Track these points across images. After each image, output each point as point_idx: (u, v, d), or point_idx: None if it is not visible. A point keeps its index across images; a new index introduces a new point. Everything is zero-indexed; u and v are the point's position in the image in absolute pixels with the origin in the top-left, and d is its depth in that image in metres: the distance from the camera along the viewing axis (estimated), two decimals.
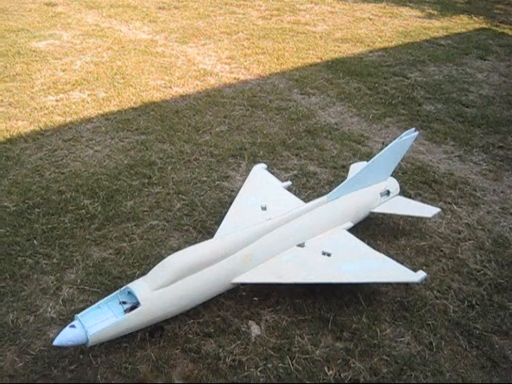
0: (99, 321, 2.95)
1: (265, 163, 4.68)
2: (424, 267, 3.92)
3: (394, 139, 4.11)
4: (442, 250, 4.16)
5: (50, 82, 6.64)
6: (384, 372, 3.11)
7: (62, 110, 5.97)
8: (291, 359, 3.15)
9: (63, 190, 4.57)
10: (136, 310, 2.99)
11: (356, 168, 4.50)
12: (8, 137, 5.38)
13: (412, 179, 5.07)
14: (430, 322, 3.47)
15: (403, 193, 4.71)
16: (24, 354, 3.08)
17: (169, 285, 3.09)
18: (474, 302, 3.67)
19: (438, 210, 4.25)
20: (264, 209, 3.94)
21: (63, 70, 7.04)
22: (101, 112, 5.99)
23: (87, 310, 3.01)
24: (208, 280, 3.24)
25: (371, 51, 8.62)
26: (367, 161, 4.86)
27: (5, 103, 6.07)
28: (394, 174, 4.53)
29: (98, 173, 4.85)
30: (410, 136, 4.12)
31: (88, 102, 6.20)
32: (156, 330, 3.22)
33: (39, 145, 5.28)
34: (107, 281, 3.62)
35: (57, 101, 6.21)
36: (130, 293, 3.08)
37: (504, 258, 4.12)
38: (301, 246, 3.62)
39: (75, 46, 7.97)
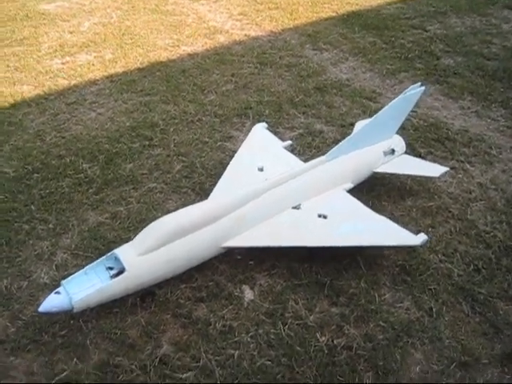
0: (84, 287, 2.91)
1: (269, 123, 4.54)
2: (430, 229, 3.76)
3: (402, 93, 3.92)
4: (450, 211, 3.98)
5: (57, 45, 6.53)
6: (379, 338, 3.01)
7: (67, 73, 5.88)
8: (283, 325, 3.07)
9: (63, 154, 4.52)
10: (121, 276, 2.94)
11: (361, 125, 4.31)
12: (12, 102, 5.33)
13: (424, 137, 4.85)
14: (432, 287, 3.34)
15: (413, 151, 4.52)
16: (16, 320, 3.08)
17: (155, 249, 3.02)
18: (480, 266, 3.51)
19: (446, 169, 4.05)
20: (261, 170, 3.81)
21: (71, 33, 6.92)
22: (106, 74, 5.87)
23: (73, 276, 2.98)
24: (198, 244, 3.16)
25: (389, 3, 8.22)
26: None
27: (11, 68, 6.00)
28: (405, 132, 4.33)
29: (99, 136, 4.77)
30: (416, 91, 3.90)
31: (94, 64, 6.09)
32: (147, 295, 3.18)
33: (42, 109, 5.21)
34: (101, 245, 3.58)
35: (63, 64, 6.11)
36: (116, 258, 3.02)
37: None
38: (296, 208, 3.49)
39: (84, 7, 7.81)
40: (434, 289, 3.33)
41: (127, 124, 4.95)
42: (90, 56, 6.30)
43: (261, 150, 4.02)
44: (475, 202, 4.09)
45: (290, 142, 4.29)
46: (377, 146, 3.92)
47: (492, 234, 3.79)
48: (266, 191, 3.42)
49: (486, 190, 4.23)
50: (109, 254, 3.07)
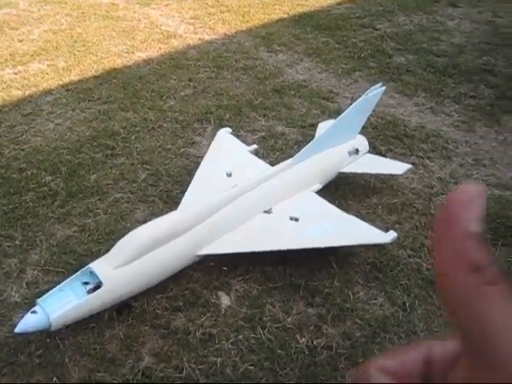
0: (61, 304, 2.85)
1: (230, 127, 4.55)
2: (396, 225, 3.86)
3: (363, 94, 4.00)
4: (414, 207, 4.09)
5: (7, 54, 6.34)
6: (357, 336, 3.07)
7: (20, 83, 5.72)
8: (263, 329, 3.09)
9: (24, 167, 4.40)
10: (99, 291, 2.90)
11: (324, 127, 4.39)
12: None
13: (383, 134, 4.97)
14: (403, 282, 3.42)
15: (374, 149, 4.62)
16: None
17: (131, 262, 3.00)
18: None
19: (409, 166, 4.17)
20: (229, 175, 3.82)
21: (20, 41, 6.73)
22: (61, 83, 5.75)
23: (49, 293, 2.91)
24: (172, 254, 3.16)
25: (339, 3, 8.35)
26: (335, 119, 4.76)
27: None
28: (364, 131, 4.43)
29: (60, 147, 4.67)
30: (377, 91, 4.00)
31: (48, 73, 5.95)
32: (123, 308, 3.15)
33: None
34: (72, 260, 3.51)
35: (15, 74, 5.94)
36: (92, 273, 2.98)
37: None
38: (268, 212, 3.53)
39: (32, 14, 7.61)
40: (406, 284, 3.42)
41: (87, 133, 4.86)
42: (42, 65, 6.15)
43: (227, 156, 4.03)
44: (437, 197, 4.22)
45: (255, 146, 4.32)
46: (342, 147, 4.00)
47: None
48: (237, 197, 3.44)
49: (446, 184, 4.37)
50: (83, 269, 3.01)
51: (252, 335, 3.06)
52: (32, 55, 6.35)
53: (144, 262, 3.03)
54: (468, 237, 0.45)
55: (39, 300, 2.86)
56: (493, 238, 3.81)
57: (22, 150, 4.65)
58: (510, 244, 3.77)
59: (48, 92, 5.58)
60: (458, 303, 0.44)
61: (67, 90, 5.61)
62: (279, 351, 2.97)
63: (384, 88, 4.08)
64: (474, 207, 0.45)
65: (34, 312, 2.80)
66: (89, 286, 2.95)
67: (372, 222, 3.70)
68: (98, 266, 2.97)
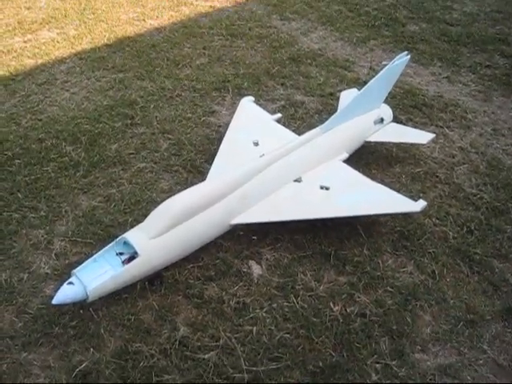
0: (97, 275, 2.85)
1: (251, 95, 4.50)
2: (421, 194, 3.86)
3: (381, 62, 3.96)
4: (437, 176, 4.09)
5: (15, 22, 6.23)
6: (389, 304, 3.09)
7: (31, 52, 5.63)
8: (296, 297, 3.11)
9: (43, 137, 4.35)
10: (135, 261, 2.90)
11: (346, 96, 4.35)
12: None
13: (402, 104, 4.94)
14: (431, 250, 3.44)
15: (395, 118, 4.58)
16: (22, 314, 2.98)
17: (166, 232, 2.99)
18: (472, 227, 3.64)
19: (433, 135, 4.15)
20: (256, 144, 3.79)
21: (28, 8, 6.61)
22: (73, 51, 5.66)
23: (83, 264, 2.90)
24: (206, 224, 3.15)
25: None
26: (356, 87, 4.72)
27: None
28: (384, 100, 4.39)
29: (78, 116, 4.62)
30: (402, 60, 3.96)
31: (58, 42, 5.85)
32: (155, 278, 3.14)
33: (11, 91, 4.98)
34: (99, 230, 3.49)
35: (25, 42, 5.84)
36: (126, 243, 2.97)
37: (499, 180, 4.08)
38: (298, 180, 3.51)
39: None
40: (433, 252, 3.44)
41: (105, 103, 4.80)
42: (52, 33, 6.05)
43: (253, 125, 4.00)
44: (459, 166, 4.22)
45: (279, 114, 4.28)
46: (367, 116, 3.97)
47: (479, 196, 3.93)
48: (268, 166, 3.41)
49: (467, 153, 4.37)
50: (117, 239, 3.00)
51: (285, 304, 3.08)
52: (41, 23, 6.24)
53: (179, 232, 3.01)
54: None
55: (75, 271, 2.84)
56: None
57: (40, 119, 4.59)
58: None
59: (61, 61, 5.50)
60: None
61: (80, 59, 5.53)
62: (314, 319, 2.99)
63: (409, 57, 4.03)
64: None
65: (70, 283, 2.80)
66: (124, 257, 2.94)
67: (397, 190, 3.69)
68: (133, 237, 2.95)
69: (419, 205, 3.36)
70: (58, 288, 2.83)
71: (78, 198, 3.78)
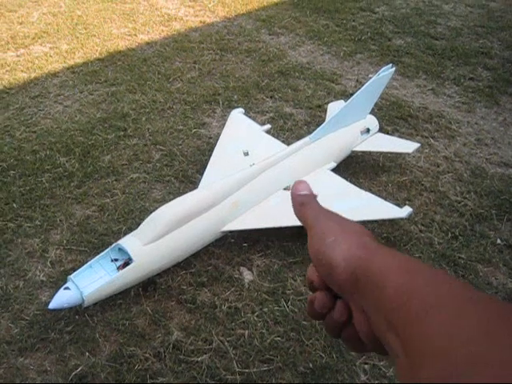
0: (93, 280, 2.93)
1: (238, 107, 4.61)
2: (407, 202, 3.97)
3: (368, 75, 4.08)
4: (422, 184, 4.21)
5: (8, 37, 6.31)
6: None
7: (24, 66, 5.72)
8: (286, 302, 3.19)
9: (37, 149, 4.43)
10: (129, 267, 2.97)
11: (334, 107, 4.47)
12: None
13: (388, 115, 5.08)
14: (417, 255, 3.54)
15: (381, 129, 4.71)
16: (18, 320, 3.03)
17: (160, 238, 3.07)
18: (457, 233, 3.75)
19: (418, 144, 4.27)
20: (246, 154, 3.90)
21: (20, 23, 6.70)
22: (66, 65, 5.75)
23: (79, 270, 2.98)
24: (198, 230, 3.23)
25: None
26: (343, 99, 4.85)
27: None
28: (370, 111, 4.52)
29: (71, 129, 4.70)
30: (387, 72, 4.08)
31: (51, 56, 5.94)
32: (149, 284, 3.23)
33: (5, 104, 5.06)
34: (94, 239, 3.57)
35: (18, 56, 5.93)
36: (120, 249, 3.05)
37: (482, 188, 4.21)
38: (287, 189, 3.61)
39: None
40: (419, 257, 3.53)
41: (97, 115, 4.89)
42: (45, 47, 6.14)
43: (243, 135, 4.10)
44: (444, 175, 4.34)
45: (268, 125, 4.39)
46: (354, 126, 4.09)
47: (463, 203, 4.05)
48: (258, 175, 3.51)
49: (451, 162, 4.50)
50: (112, 246, 3.08)
51: (276, 308, 3.16)
52: (33, 38, 6.33)
53: (173, 238, 3.10)
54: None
55: (71, 276, 2.92)
56: (498, 214, 3.96)
57: (34, 132, 4.67)
58: None
59: (53, 74, 5.59)
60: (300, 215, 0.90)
61: (73, 73, 5.62)
62: (304, 322, 3.08)
63: (394, 69, 4.16)
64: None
65: (66, 288, 2.87)
66: (119, 263, 3.02)
67: (384, 199, 3.80)
68: (128, 243, 3.03)
69: (405, 211, 3.47)
70: (55, 293, 2.90)
71: (73, 207, 3.86)
